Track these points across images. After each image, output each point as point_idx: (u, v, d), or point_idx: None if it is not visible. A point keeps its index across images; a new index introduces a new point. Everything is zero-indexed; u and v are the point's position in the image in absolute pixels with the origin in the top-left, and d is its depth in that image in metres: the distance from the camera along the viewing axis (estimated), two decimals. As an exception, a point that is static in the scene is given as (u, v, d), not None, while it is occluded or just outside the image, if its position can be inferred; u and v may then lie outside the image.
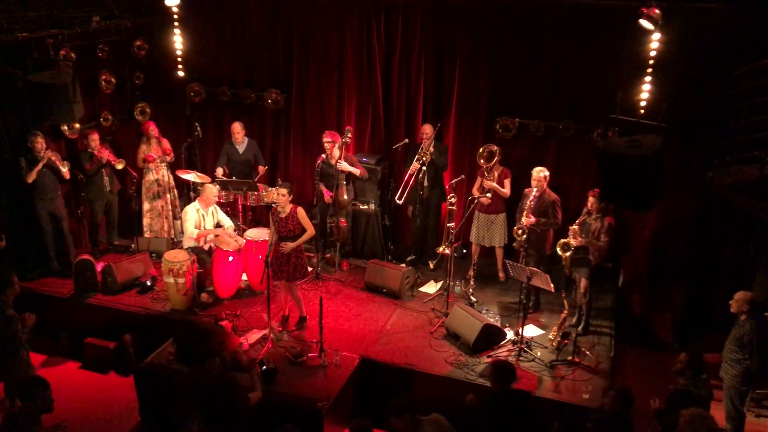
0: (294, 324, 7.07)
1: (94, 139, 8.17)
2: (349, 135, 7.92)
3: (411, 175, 7.87)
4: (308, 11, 8.53)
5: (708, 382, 5.12)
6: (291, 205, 6.82)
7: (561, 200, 7.28)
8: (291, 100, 8.96)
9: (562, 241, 6.78)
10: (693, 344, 6.58)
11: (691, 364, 5.10)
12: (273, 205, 7.10)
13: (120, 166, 8.30)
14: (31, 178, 7.49)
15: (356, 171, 8.04)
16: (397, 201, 7.96)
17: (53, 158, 7.65)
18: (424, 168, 7.81)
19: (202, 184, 7.92)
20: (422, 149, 7.86)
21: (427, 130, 7.94)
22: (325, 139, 7.94)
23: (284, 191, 6.75)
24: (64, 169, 7.74)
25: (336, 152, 7.89)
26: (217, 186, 8.05)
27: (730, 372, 5.69)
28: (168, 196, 8.86)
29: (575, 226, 6.81)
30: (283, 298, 7.14)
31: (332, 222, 8.11)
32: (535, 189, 7.14)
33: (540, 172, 7.15)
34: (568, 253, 6.74)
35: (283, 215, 6.77)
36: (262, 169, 8.71)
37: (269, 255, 6.54)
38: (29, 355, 5.91)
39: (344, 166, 7.89)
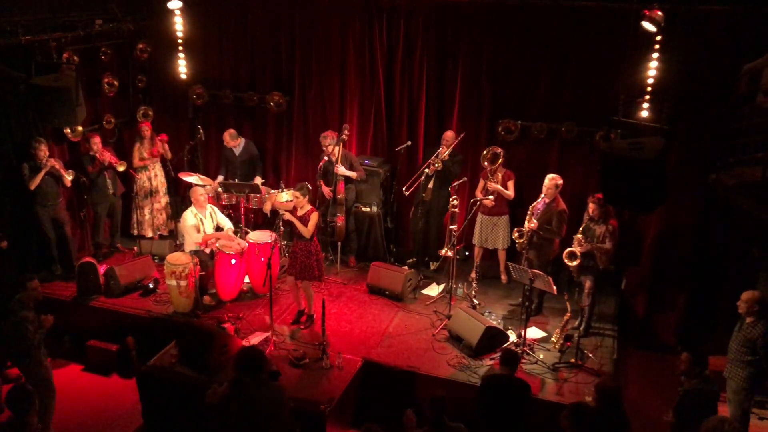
0: (303, 321, 7.15)
1: (96, 142, 8.19)
2: (346, 132, 7.93)
3: (422, 173, 7.89)
4: (310, 13, 8.54)
5: (714, 380, 5.09)
6: (310, 207, 6.92)
7: (563, 202, 7.25)
8: (293, 102, 8.98)
9: (568, 250, 6.75)
10: (696, 347, 6.56)
11: (696, 362, 5.07)
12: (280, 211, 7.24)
13: (122, 168, 8.31)
14: (34, 184, 7.51)
15: (353, 174, 8.09)
16: (404, 192, 7.96)
17: (57, 166, 7.66)
18: (429, 173, 7.84)
19: (205, 186, 7.94)
20: (437, 155, 7.85)
21: (448, 136, 7.91)
22: (327, 141, 7.98)
23: (297, 193, 6.85)
24: (69, 178, 7.76)
25: (335, 150, 7.93)
26: (210, 188, 8.16)
27: (739, 374, 5.63)
28: (158, 196, 8.84)
29: (579, 235, 6.77)
30: (296, 294, 7.23)
31: (332, 222, 8.13)
32: (543, 195, 7.07)
33: (551, 180, 7.02)
34: (575, 262, 6.72)
35: (300, 213, 6.86)
36: (257, 179, 8.73)
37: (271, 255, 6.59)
38: (44, 355, 5.90)
39: (342, 170, 7.95)
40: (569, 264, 6.76)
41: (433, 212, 8.19)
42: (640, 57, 6.81)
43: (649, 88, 6.89)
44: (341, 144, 7.96)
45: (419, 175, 7.92)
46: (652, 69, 6.85)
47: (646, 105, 6.91)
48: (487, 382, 5.39)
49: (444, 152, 7.84)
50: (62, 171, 7.71)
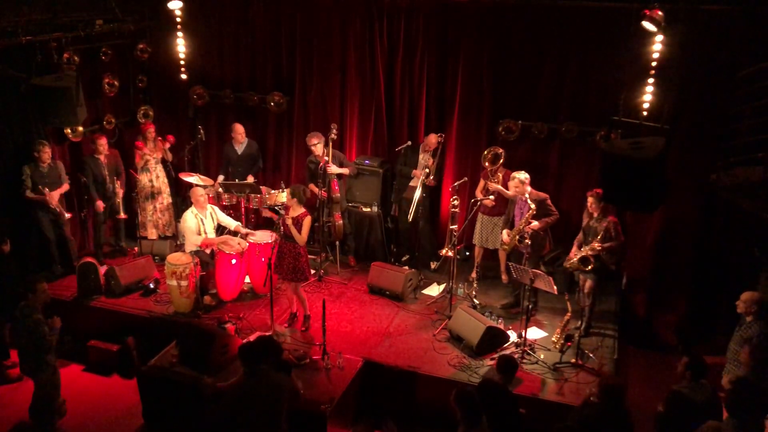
0: (301, 323, 7.13)
1: (102, 143, 8.19)
2: (335, 132, 7.92)
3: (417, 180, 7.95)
4: (311, 13, 8.55)
5: (708, 388, 5.03)
6: (303, 210, 6.86)
7: (563, 202, 7.26)
8: (294, 102, 8.98)
9: (581, 256, 6.74)
10: (697, 346, 6.56)
11: (690, 367, 5.05)
12: (277, 207, 7.21)
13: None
14: (28, 196, 7.53)
15: (345, 171, 8.11)
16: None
17: (53, 204, 7.64)
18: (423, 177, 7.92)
19: (206, 186, 7.94)
20: (427, 169, 7.88)
21: (432, 142, 7.94)
22: (314, 140, 7.98)
23: (288, 190, 6.84)
24: (67, 216, 7.79)
25: (320, 150, 7.95)
26: (211, 188, 8.18)
27: (736, 373, 5.64)
28: (161, 197, 8.80)
29: (596, 245, 6.71)
30: (290, 296, 7.22)
31: (330, 221, 8.12)
32: (518, 196, 7.07)
33: (515, 180, 7.04)
34: (589, 267, 6.70)
35: (293, 215, 6.83)
36: (251, 177, 8.72)
37: (272, 255, 6.58)
38: (56, 360, 5.95)
39: (334, 169, 7.94)
40: (583, 269, 6.73)
41: (419, 216, 8.17)
42: (640, 57, 6.79)
43: (649, 88, 6.87)
44: (330, 143, 7.94)
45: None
46: (653, 69, 6.82)
47: (646, 105, 6.90)
48: (479, 387, 5.33)
49: (431, 163, 7.90)
50: (59, 209, 7.72)
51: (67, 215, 7.81)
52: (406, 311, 7.52)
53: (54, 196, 7.67)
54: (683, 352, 5.30)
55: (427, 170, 7.89)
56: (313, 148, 8.04)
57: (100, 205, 8.19)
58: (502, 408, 4.99)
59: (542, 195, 7.13)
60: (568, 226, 7.92)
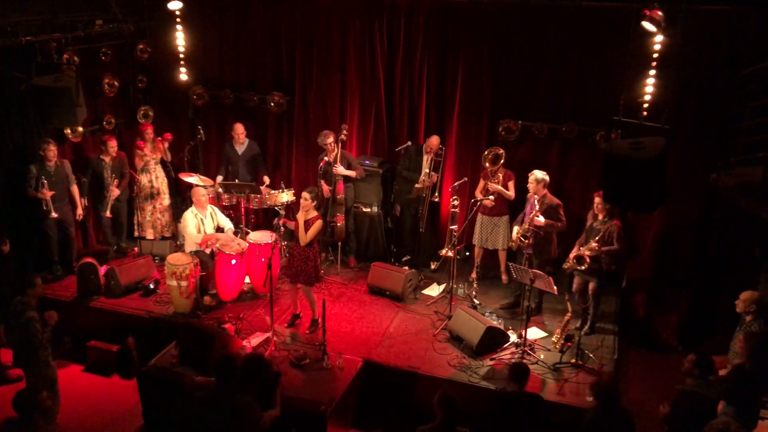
0: (307, 326, 7.09)
1: (113, 145, 8.21)
2: (345, 132, 7.91)
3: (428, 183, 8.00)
4: (311, 14, 8.54)
5: (716, 385, 5.07)
6: (316, 213, 6.84)
7: (564, 202, 7.25)
8: (294, 102, 8.98)
9: (576, 254, 6.74)
10: (697, 346, 6.56)
11: (698, 365, 5.06)
12: (277, 207, 7.19)
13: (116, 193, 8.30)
14: (30, 194, 7.52)
15: (352, 173, 8.09)
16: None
17: (46, 198, 7.60)
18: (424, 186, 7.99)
19: (206, 186, 7.94)
20: (429, 175, 7.93)
21: (434, 144, 7.98)
22: (328, 140, 7.97)
23: (306, 195, 6.78)
24: (53, 215, 7.72)
25: (334, 150, 7.96)
26: (211, 188, 8.18)
27: (733, 364, 5.64)
28: (161, 198, 8.77)
29: (594, 244, 6.70)
30: (293, 296, 7.19)
31: (333, 222, 8.13)
32: (533, 193, 7.09)
33: (533, 175, 7.10)
34: (584, 267, 6.70)
35: (306, 217, 6.78)
36: (266, 179, 8.71)
37: (272, 255, 6.58)
38: (49, 356, 5.93)
39: (341, 170, 7.93)
40: (578, 268, 6.73)
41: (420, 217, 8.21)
42: (640, 57, 6.79)
43: (649, 88, 6.87)
44: (339, 144, 7.95)
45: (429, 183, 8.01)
46: (653, 69, 6.83)
47: (646, 105, 6.89)
48: (498, 402, 5.27)
49: (435, 179, 7.94)
50: (49, 206, 7.65)
51: (54, 215, 7.71)
52: (406, 311, 7.51)
53: (77, 200, 7.86)
54: (684, 351, 5.29)
55: (425, 177, 7.93)
56: (328, 146, 8.01)
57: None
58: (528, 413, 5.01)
59: (555, 201, 7.12)
60: (568, 227, 7.91)
